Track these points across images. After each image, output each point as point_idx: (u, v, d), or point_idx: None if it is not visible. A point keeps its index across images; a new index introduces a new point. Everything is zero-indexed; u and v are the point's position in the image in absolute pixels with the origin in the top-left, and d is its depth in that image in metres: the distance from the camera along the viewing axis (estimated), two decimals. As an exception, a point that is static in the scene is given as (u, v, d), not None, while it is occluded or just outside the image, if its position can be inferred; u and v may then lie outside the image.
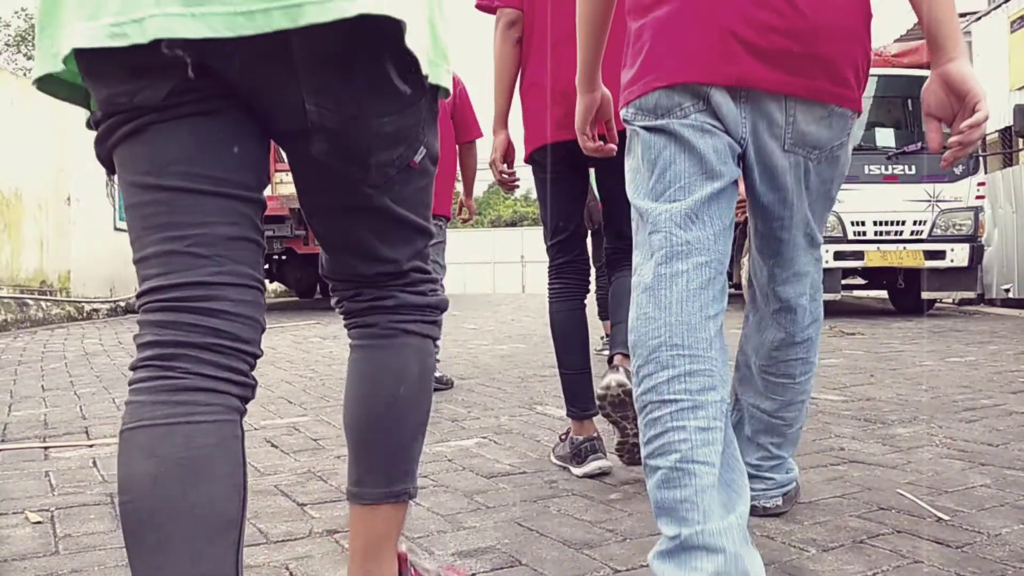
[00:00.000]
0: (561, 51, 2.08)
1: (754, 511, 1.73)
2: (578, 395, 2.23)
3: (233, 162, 0.87)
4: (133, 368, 0.87)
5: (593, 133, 1.68)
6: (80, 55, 0.83)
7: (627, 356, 2.13)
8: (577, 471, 2.15)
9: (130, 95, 0.83)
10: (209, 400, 0.85)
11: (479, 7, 2.31)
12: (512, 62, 2.24)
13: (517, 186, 2.47)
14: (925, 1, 1.32)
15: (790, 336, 1.64)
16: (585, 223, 2.29)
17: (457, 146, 3.75)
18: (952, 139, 1.38)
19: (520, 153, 2.30)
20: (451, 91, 1.04)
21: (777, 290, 1.59)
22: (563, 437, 2.29)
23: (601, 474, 2.12)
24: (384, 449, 1.08)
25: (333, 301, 1.14)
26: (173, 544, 0.81)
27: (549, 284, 2.31)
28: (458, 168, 3.90)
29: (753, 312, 1.69)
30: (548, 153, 2.15)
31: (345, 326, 1.13)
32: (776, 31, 1.30)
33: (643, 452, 1.24)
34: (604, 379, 2.00)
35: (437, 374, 3.71)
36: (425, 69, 0.91)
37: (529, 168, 2.32)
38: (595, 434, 2.19)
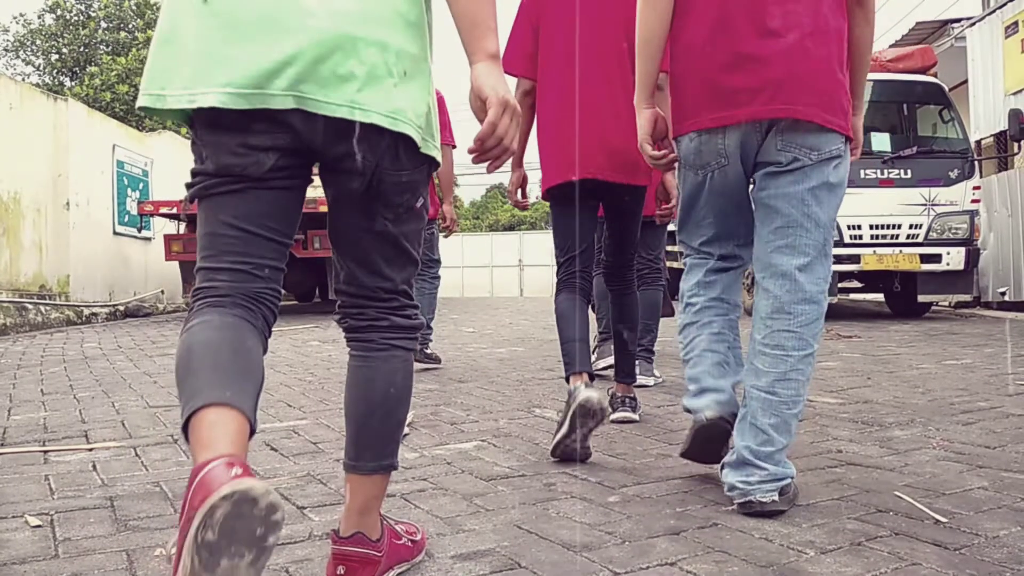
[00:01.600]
0: (585, 113, 2.55)
1: (750, 506, 1.78)
2: (575, 359, 2.50)
3: (289, 220, 1.30)
4: (199, 307, 1.23)
5: (655, 144, 2.06)
6: (204, 121, 1.23)
7: (628, 385, 2.89)
8: (564, 425, 2.34)
9: (241, 167, 1.22)
10: (253, 323, 1.24)
11: (507, 72, 2.66)
12: (527, 123, 2.72)
13: (528, 208, 3.03)
14: (850, 72, 1.90)
15: (781, 304, 1.82)
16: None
17: None
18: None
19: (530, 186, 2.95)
20: (440, 161, 1.39)
21: (770, 256, 1.85)
22: (560, 413, 2.50)
23: (597, 410, 2.29)
24: (378, 433, 1.39)
25: (337, 319, 1.44)
26: (220, 370, 1.13)
27: (556, 286, 2.68)
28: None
29: (758, 295, 1.90)
30: (566, 187, 2.57)
31: (347, 340, 1.43)
32: (761, 78, 1.78)
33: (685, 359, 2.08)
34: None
35: (428, 350, 4.42)
36: (424, 149, 1.30)
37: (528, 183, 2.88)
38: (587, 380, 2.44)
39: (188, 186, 1.29)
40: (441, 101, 4.11)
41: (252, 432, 1.11)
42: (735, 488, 1.82)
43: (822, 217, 1.81)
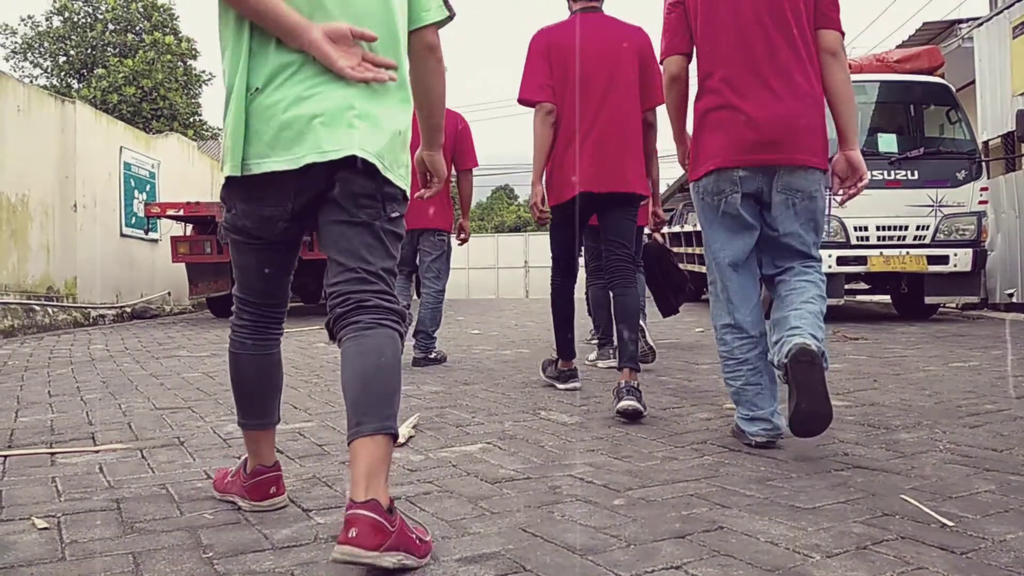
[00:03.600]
0: (584, 139, 3.22)
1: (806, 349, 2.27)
2: (567, 348, 3.59)
3: (291, 262, 1.87)
4: (239, 326, 1.87)
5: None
6: (235, 187, 1.70)
7: (632, 372, 3.18)
8: (561, 386, 3.65)
9: (257, 230, 1.74)
10: (275, 342, 1.91)
11: (521, 102, 3.36)
12: (549, 141, 3.30)
13: (547, 221, 3.45)
14: (838, 111, 2.47)
15: (798, 271, 2.47)
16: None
17: (457, 173, 4.61)
18: (843, 197, 2.53)
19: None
20: (408, 192, 1.75)
21: (781, 271, 2.51)
22: (551, 363, 3.77)
23: (578, 390, 3.57)
24: (374, 399, 1.55)
25: (326, 321, 1.69)
26: (263, 398, 1.92)
27: (551, 281, 3.56)
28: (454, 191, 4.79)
29: (778, 286, 2.52)
30: (574, 201, 3.27)
31: (338, 331, 1.65)
32: (769, 132, 2.37)
33: (726, 378, 2.55)
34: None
35: (433, 355, 4.72)
36: (393, 179, 1.68)
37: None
38: (575, 367, 3.66)
39: (223, 227, 1.81)
40: (466, 128, 4.72)
41: (278, 422, 1.95)
42: (791, 340, 2.26)
43: (809, 240, 2.49)
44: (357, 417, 1.53)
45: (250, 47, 1.61)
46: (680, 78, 2.61)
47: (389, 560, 1.42)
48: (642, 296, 4.56)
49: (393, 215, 1.68)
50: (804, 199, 2.42)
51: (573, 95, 3.22)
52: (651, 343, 4.47)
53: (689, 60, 2.58)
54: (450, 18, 1.79)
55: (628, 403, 2.89)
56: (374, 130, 1.63)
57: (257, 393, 1.89)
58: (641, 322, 4.20)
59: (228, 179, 1.66)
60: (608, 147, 3.21)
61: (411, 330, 4.18)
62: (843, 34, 2.49)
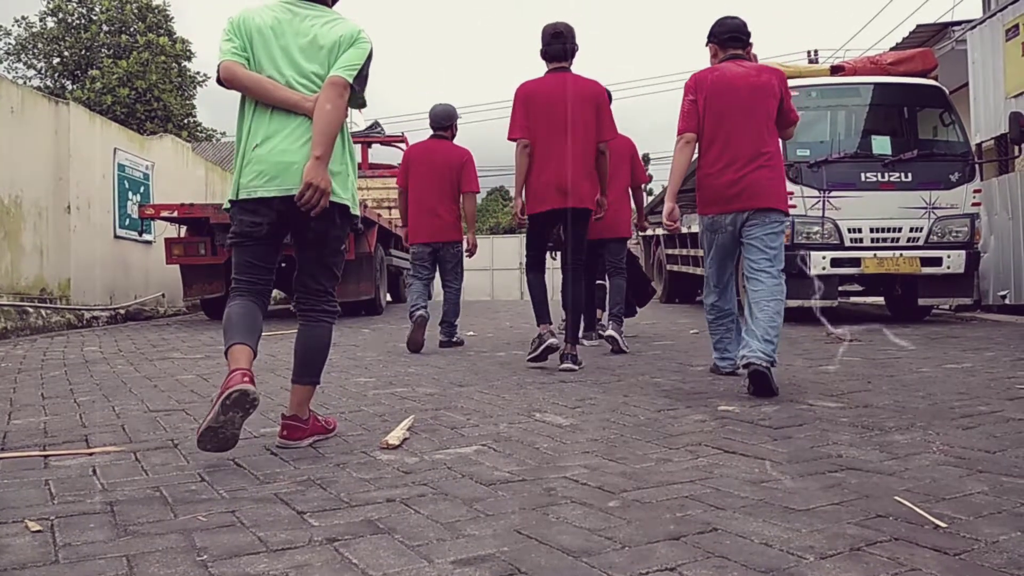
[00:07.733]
0: (553, 165, 4.39)
1: (758, 372, 3.47)
2: (542, 314, 4.46)
3: (274, 256, 2.64)
4: (233, 293, 2.58)
5: (674, 222, 3.98)
6: (237, 207, 2.61)
7: (572, 344, 4.53)
8: (536, 353, 4.38)
9: (252, 231, 2.56)
10: (262, 304, 2.59)
11: (509, 139, 4.51)
12: (525, 167, 4.47)
13: (526, 225, 4.68)
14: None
15: (763, 285, 3.65)
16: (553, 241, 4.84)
17: (462, 195, 5.71)
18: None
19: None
20: (358, 216, 2.72)
21: (755, 263, 3.71)
22: (533, 341, 4.47)
23: (553, 349, 4.37)
24: (310, 363, 2.66)
25: (294, 305, 2.71)
26: (248, 326, 2.49)
27: (526, 267, 4.68)
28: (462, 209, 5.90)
29: (749, 284, 3.71)
30: (543, 213, 4.52)
31: (298, 314, 2.69)
32: (744, 187, 3.76)
33: (711, 330, 4.14)
34: (554, 340, 4.37)
35: (455, 339, 5.87)
36: (354, 211, 2.65)
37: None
38: (551, 328, 4.42)
39: (227, 239, 2.65)
40: (470, 159, 5.68)
41: (255, 355, 2.43)
42: (747, 358, 3.49)
43: (774, 245, 3.72)
44: (299, 373, 2.64)
45: (255, 115, 2.55)
46: (691, 144, 3.91)
47: (306, 442, 2.62)
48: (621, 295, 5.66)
49: (343, 247, 2.69)
50: (772, 223, 3.74)
51: (544, 133, 4.37)
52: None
53: (699, 136, 3.90)
54: (351, 87, 2.50)
55: (566, 366, 4.29)
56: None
57: (244, 325, 2.47)
58: (616, 332, 5.39)
59: (234, 201, 2.56)
60: (569, 173, 4.30)
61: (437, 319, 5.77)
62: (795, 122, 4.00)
